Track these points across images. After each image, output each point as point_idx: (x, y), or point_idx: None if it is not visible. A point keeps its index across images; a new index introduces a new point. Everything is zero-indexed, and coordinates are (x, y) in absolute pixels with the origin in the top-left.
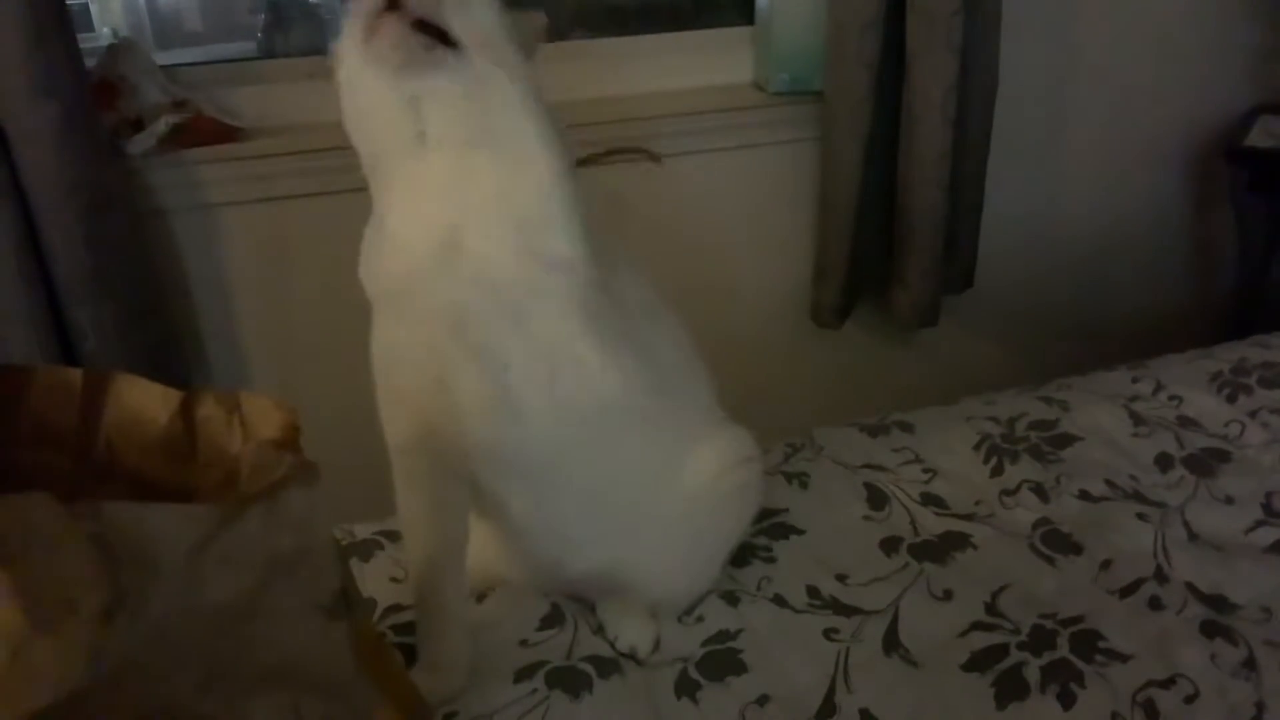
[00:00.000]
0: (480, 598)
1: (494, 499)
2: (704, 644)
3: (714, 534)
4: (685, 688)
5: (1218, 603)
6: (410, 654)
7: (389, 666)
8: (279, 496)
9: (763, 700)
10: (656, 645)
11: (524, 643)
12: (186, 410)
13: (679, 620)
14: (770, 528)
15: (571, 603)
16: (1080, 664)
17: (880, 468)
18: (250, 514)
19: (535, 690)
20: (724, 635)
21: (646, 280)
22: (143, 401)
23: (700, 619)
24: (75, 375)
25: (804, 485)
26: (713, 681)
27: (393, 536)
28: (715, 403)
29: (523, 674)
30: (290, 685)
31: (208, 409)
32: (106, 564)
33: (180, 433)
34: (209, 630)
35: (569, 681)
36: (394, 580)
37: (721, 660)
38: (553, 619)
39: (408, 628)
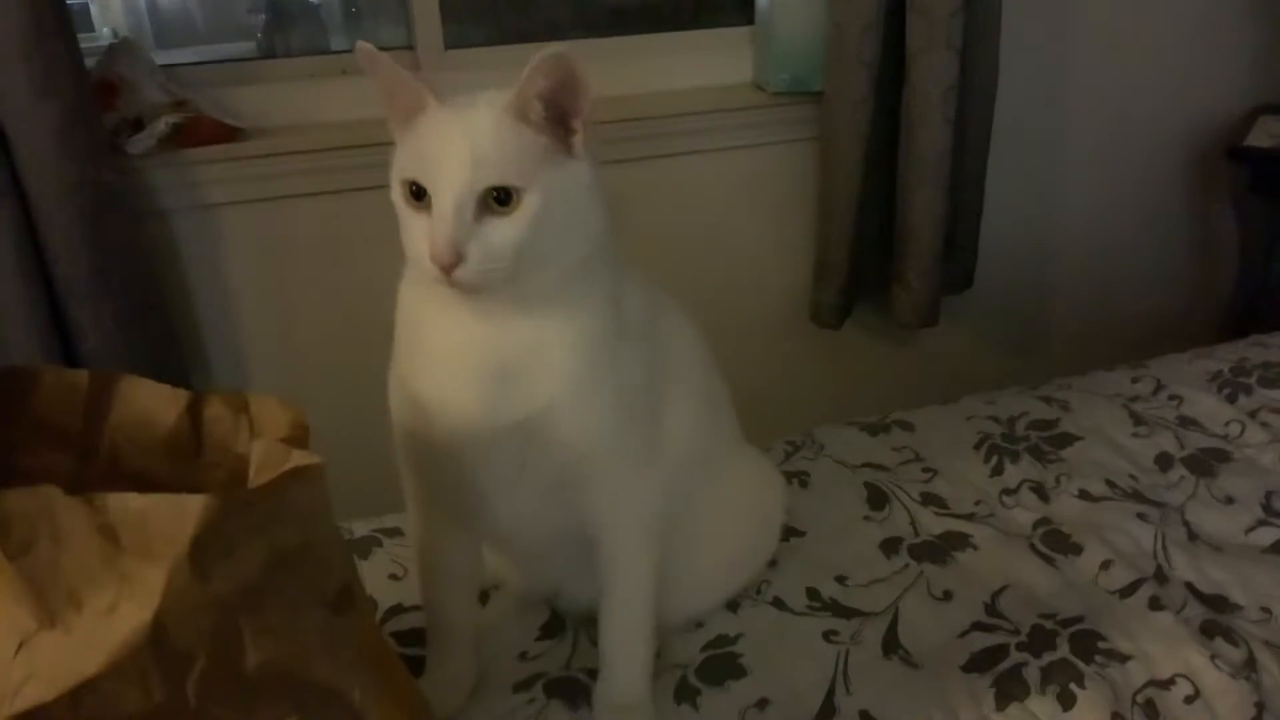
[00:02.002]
0: (484, 598)
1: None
2: (703, 649)
3: (728, 572)
4: (685, 694)
5: (1218, 603)
6: (409, 662)
7: (391, 664)
8: (282, 491)
9: (762, 704)
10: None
11: (523, 655)
12: (193, 411)
13: None
14: None
15: (571, 610)
16: (1080, 664)
17: (880, 467)
18: (253, 507)
19: (534, 700)
20: (723, 640)
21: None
22: (149, 402)
23: (700, 624)
24: (81, 376)
25: (804, 484)
26: (712, 686)
27: (391, 534)
28: (737, 433)
29: (521, 685)
30: (293, 680)
31: (215, 409)
32: (114, 557)
33: (186, 433)
34: (212, 623)
35: (567, 691)
36: (393, 578)
37: (721, 665)
38: (553, 627)
39: (409, 633)
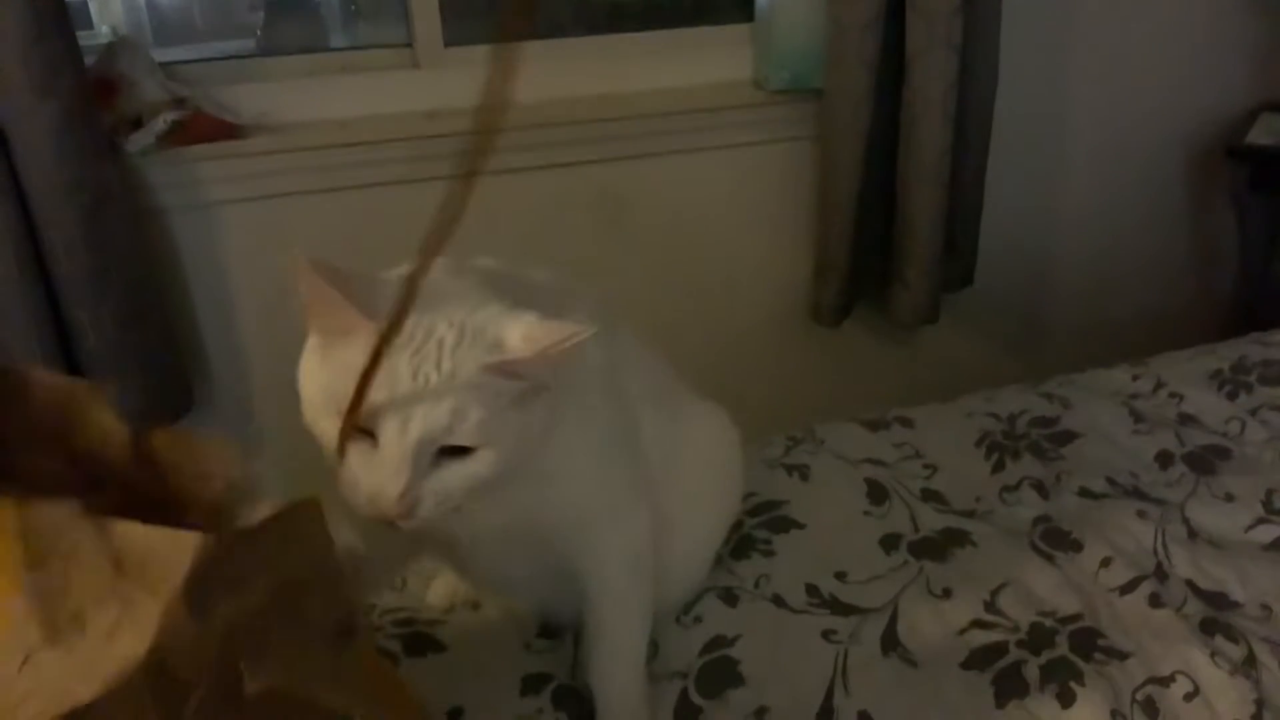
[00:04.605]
0: (476, 605)
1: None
2: (701, 652)
3: (697, 543)
4: (686, 713)
5: (1218, 600)
6: (409, 646)
7: (391, 683)
8: (284, 526)
9: (760, 712)
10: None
11: (528, 647)
12: (140, 444)
13: (677, 621)
14: (771, 520)
15: (565, 623)
16: (1080, 662)
17: (881, 463)
18: (254, 543)
19: (542, 710)
20: (721, 641)
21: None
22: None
23: (699, 619)
24: (68, 383)
25: (804, 478)
26: (712, 700)
27: None
28: (680, 392)
29: (529, 686)
30: (294, 707)
31: (160, 444)
32: (117, 581)
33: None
34: (210, 654)
35: (574, 706)
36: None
37: (719, 672)
38: (552, 628)
39: (409, 628)
